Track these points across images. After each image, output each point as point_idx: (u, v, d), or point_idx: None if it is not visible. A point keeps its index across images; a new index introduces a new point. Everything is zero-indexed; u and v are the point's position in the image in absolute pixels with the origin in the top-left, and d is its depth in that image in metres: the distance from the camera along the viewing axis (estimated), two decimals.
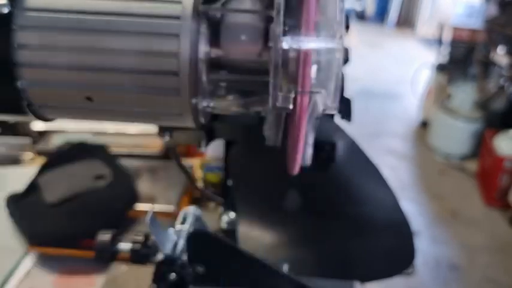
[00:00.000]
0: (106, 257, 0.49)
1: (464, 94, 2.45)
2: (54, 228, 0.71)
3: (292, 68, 0.30)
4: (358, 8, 5.83)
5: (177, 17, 0.33)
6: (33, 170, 0.81)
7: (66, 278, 1.14)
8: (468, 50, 2.63)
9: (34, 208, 0.74)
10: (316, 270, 0.53)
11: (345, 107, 0.35)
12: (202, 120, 0.37)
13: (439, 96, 2.68)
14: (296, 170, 0.34)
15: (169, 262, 0.48)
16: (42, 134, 1.00)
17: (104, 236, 0.49)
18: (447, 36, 2.77)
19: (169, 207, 1.25)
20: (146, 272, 0.50)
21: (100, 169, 0.81)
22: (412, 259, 0.46)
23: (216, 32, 0.34)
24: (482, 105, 2.44)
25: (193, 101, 0.34)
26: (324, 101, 0.30)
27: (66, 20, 0.33)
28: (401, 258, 0.46)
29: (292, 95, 0.30)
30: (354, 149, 0.41)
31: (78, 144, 0.89)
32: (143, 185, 0.89)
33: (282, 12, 0.29)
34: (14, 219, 0.73)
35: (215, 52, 0.34)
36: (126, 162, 0.88)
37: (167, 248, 0.49)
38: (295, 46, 0.29)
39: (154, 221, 0.46)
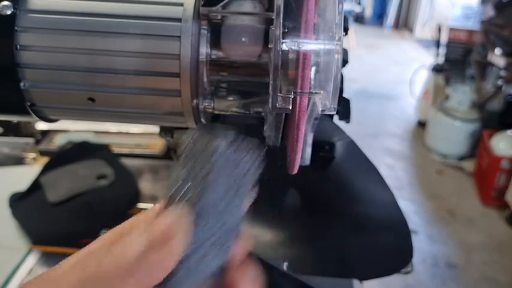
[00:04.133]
0: None
1: (462, 95, 2.46)
2: (57, 227, 0.71)
3: (292, 69, 0.30)
4: (357, 10, 5.85)
5: (179, 19, 0.33)
6: (35, 170, 0.81)
7: None
8: (465, 51, 2.64)
9: (37, 207, 0.74)
10: (315, 269, 0.54)
11: (344, 108, 0.35)
12: (203, 120, 0.37)
13: (437, 97, 2.69)
14: (295, 169, 0.34)
15: None
16: (45, 134, 1.00)
17: None
18: (445, 38, 2.78)
19: None
20: None
21: (102, 169, 0.81)
22: (410, 258, 0.47)
23: (216, 33, 0.34)
24: (480, 105, 2.46)
25: (194, 101, 0.35)
26: (323, 102, 0.31)
27: (68, 22, 0.34)
28: (399, 256, 0.47)
29: (292, 96, 0.30)
30: (353, 149, 0.41)
31: (81, 144, 0.89)
32: (145, 185, 0.89)
33: (281, 15, 0.29)
34: (16, 218, 0.73)
35: (216, 53, 0.35)
36: (127, 162, 0.89)
37: None
38: (294, 48, 0.30)
39: None
